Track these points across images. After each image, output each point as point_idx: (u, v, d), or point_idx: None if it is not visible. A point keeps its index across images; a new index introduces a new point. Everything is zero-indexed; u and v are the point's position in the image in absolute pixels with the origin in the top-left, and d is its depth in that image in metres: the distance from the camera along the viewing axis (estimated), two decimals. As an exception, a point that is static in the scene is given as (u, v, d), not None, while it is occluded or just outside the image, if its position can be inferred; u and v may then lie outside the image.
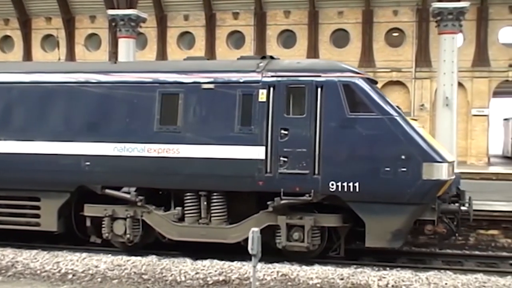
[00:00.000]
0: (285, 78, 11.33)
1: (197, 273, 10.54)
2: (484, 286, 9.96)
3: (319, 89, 11.12)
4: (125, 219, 12.01)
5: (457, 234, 12.27)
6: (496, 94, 39.26)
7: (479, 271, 10.98)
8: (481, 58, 37.53)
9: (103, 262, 11.10)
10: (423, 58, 37.88)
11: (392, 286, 10.09)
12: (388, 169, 10.73)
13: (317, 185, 11.02)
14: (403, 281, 10.23)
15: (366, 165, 10.87)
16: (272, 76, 11.38)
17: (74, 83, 12.32)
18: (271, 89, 11.32)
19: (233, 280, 10.31)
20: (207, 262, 11.07)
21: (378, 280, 10.26)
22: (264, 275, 10.46)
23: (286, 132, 11.14)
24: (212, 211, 11.77)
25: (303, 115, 11.16)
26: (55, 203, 12.22)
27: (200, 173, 11.50)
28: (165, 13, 41.57)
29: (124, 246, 12.29)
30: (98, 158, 11.89)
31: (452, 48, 26.06)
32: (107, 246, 12.42)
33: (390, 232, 11.08)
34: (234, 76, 11.63)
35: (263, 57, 12.31)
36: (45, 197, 12.25)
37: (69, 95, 12.28)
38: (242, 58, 12.98)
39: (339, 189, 10.91)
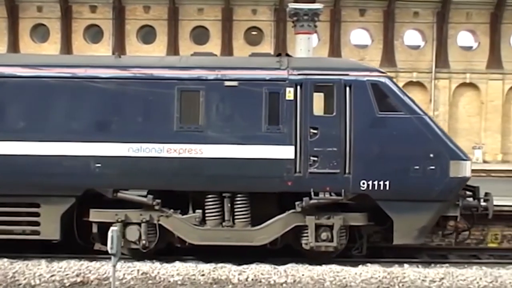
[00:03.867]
0: (312, 76, 11.14)
1: (52, 275, 10.15)
2: (338, 276, 10.47)
3: (347, 88, 11.06)
4: (139, 224, 11.24)
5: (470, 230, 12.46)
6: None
7: (333, 262, 11.46)
8: (334, 58, 39.28)
9: None
10: (281, 57, 38.95)
11: (252, 279, 10.31)
12: (417, 167, 10.91)
13: (348, 184, 10.96)
14: (262, 274, 10.48)
15: (396, 164, 10.94)
16: (299, 74, 11.16)
17: (81, 78, 11.20)
18: (298, 87, 11.08)
19: (92, 281, 10.06)
20: (63, 264, 10.68)
21: (239, 274, 10.44)
22: (124, 274, 10.30)
23: (315, 131, 10.99)
24: (236, 213, 11.36)
25: (332, 114, 11.08)
26: (57, 209, 11.10)
27: (225, 174, 11.01)
28: (16, 3, 39.44)
29: (135, 253, 11.47)
30: (110, 159, 10.96)
31: (307, 47, 27.01)
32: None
33: (417, 229, 11.23)
34: (259, 74, 11.23)
35: (279, 54, 12.04)
36: (46, 203, 11.09)
37: (76, 91, 11.16)
38: (253, 54, 12.53)
39: (370, 187, 10.92)
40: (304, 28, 27.22)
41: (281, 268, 10.76)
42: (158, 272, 10.45)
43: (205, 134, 11.01)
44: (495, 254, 13.03)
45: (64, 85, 11.19)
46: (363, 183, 10.93)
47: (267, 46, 39.19)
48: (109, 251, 8.50)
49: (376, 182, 10.91)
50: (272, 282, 10.28)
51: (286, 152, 10.97)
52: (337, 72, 11.21)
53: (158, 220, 11.27)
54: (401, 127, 11.03)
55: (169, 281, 10.21)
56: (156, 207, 11.17)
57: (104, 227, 11.10)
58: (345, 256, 11.72)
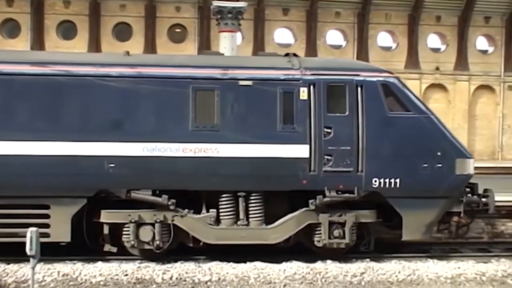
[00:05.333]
0: (325, 76, 11.32)
1: (-33, 279, 9.80)
2: (262, 273, 10.62)
3: (359, 88, 11.30)
4: (153, 224, 11.03)
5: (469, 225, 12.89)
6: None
7: (256, 260, 11.56)
8: (258, 57, 39.44)
9: None
10: (205, 54, 38.84)
11: (176, 278, 10.30)
12: (426, 165, 11.31)
13: (361, 182, 11.21)
14: (186, 273, 10.49)
15: (406, 162, 11.28)
16: (312, 74, 11.33)
17: (93, 76, 10.93)
18: (311, 87, 11.24)
19: (9, 284, 9.82)
20: (-22, 267, 10.32)
21: (163, 274, 10.40)
22: (43, 276, 10.08)
23: (329, 130, 11.17)
24: (251, 212, 11.39)
25: (345, 114, 11.23)
26: (68, 211, 10.80)
27: (240, 173, 11.07)
28: None
29: (147, 254, 11.30)
30: (124, 159, 10.78)
31: (231, 46, 27.04)
32: (124, 255, 11.27)
33: (424, 225, 11.60)
34: (273, 73, 11.35)
35: (286, 54, 12.28)
36: (56, 204, 10.77)
37: (88, 89, 10.88)
38: (260, 54, 12.51)
39: (381, 185, 11.22)
40: (228, 26, 27.24)
41: (205, 266, 10.79)
42: (80, 273, 10.27)
43: (220, 134, 11.05)
44: (413, 248, 13.46)
45: (75, 83, 10.93)
46: (375, 181, 11.26)
47: (191, 44, 39.03)
48: (28, 253, 8.26)
49: (387, 180, 11.26)
50: (196, 281, 10.30)
51: (301, 151, 11.16)
52: (349, 73, 11.50)
53: (173, 220, 11.16)
54: (410, 126, 11.44)
55: (91, 282, 10.06)
56: (171, 207, 11.05)
57: (114, 228, 11.08)
58: (354, 252, 12.02)
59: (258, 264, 11.01)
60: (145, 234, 11.11)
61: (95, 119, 10.93)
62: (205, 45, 38.47)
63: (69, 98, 10.90)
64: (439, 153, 11.43)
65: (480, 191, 12.37)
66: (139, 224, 11.10)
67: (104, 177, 10.84)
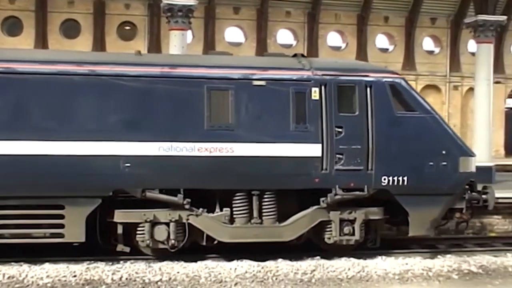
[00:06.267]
0: (335, 77, 11.62)
1: None
2: (213, 272, 10.63)
3: (368, 88, 11.62)
4: (167, 224, 11.08)
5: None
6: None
7: (207, 259, 11.56)
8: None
9: None
10: (156, 52, 38.50)
11: (126, 279, 10.21)
12: (431, 163, 11.77)
13: (371, 180, 11.57)
14: (136, 273, 10.40)
15: (413, 160, 11.73)
16: (323, 75, 11.59)
17: (108, 76, 10.91)
18: (322, 87, 11.50)
19: (-48, 288, 9.49)
20: None
21: (112, 274, 10.29)
22: (-12, 279, 9.80)
23: (340, 130, 11.46)
24: (264, 211, 11.59)
25: (355, 113, 11.53)
26: (83, 211, 10.78)
27: (255, 172, 11.28)
28: None
29: (159, 253, 11.42)
30: (140, 158, 10.84)
31: (181, 44, 26.89)
32: (137, 254, 11.45)
33: (429, 221, 12.04)
34: (286, 74, 11.58)
35: (295, 55, 12.52)
36: (71, 204, 10.72)
37: (104, 89, 10.86)
38: (267, 54, 12.69)
39: (390, 183, 11.62)
40: (178, 24, 27.03)
41: (156, 266, 10.73)
42: (26, 275, 10.07)
43: (235, 133, 11.19)
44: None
45: (89, 83, 10.82)
46: (384, 179, 11.63)
47: (141, 42, 38.57)
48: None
49: (395, 178, 11.61)
50: (147, 281, 10.22)
51: (314, 150, 11.42)
52: (358, 73, 11.80)
53: (188, 219, 11.17)
54: (417, 126, 11.84)
55: (38, 284, 9.88)
56: (186, 206, 11.05)
57: (128, 228, 11.13)
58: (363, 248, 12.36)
59: (209, 263, 11.00)
60: (160, 233, 11.21)
61: (110, 119, 10.96)
62: (155, 43, 38.15)
63: (84, 97, 10.87)
64: (443, 152, 11.89)
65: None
66: (153, 224, 11.14)
67: (120, 176, 10.89)
